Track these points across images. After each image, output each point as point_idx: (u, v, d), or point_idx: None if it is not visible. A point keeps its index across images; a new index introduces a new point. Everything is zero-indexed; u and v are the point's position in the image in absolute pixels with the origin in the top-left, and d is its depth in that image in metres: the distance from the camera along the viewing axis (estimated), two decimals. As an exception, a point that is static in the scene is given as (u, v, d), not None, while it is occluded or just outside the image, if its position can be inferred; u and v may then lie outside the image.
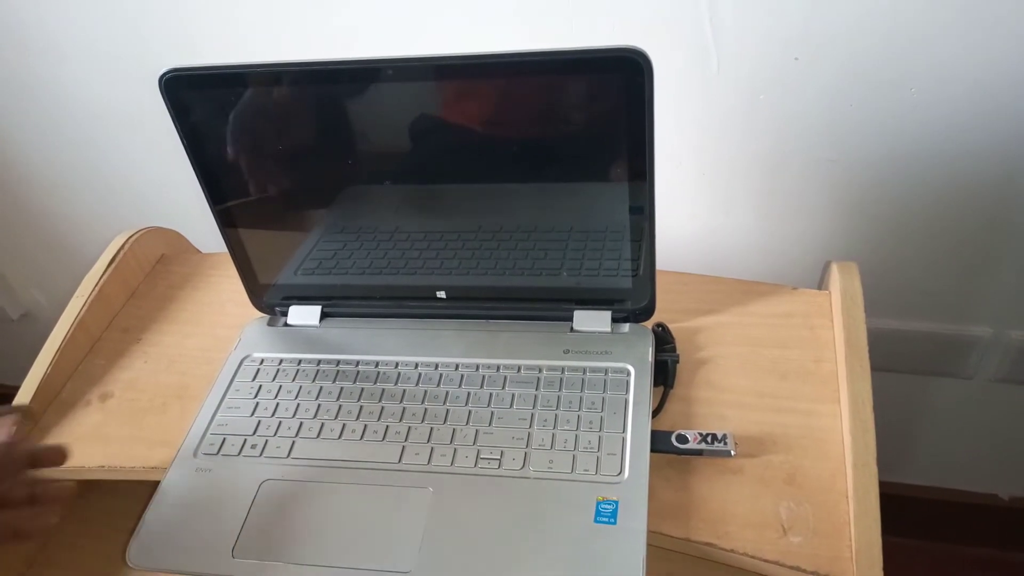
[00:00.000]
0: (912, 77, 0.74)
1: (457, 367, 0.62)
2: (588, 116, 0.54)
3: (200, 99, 0.57)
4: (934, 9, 0.70)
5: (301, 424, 0.60)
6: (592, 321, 0.64)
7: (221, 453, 0.59)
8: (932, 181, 0.82)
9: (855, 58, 0.74)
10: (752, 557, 0.50)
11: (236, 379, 0.65)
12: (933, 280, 0.92)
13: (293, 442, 0.59)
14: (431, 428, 0.58)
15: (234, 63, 0.55)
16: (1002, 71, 0.72)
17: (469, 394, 0.60)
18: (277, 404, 0.62)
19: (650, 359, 0.60)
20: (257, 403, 0.62)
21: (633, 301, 0.63)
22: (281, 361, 0.66)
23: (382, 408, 0.60)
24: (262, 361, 0.66)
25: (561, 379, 0.60)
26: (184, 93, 0.57)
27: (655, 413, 0.59)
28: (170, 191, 1.09)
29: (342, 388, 0.62)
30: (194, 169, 0.61)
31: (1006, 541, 1.21)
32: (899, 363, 1.02)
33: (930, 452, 1.18)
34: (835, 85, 0.77)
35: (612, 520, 0.51)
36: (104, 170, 1.10)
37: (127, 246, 0.78)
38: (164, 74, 0.56)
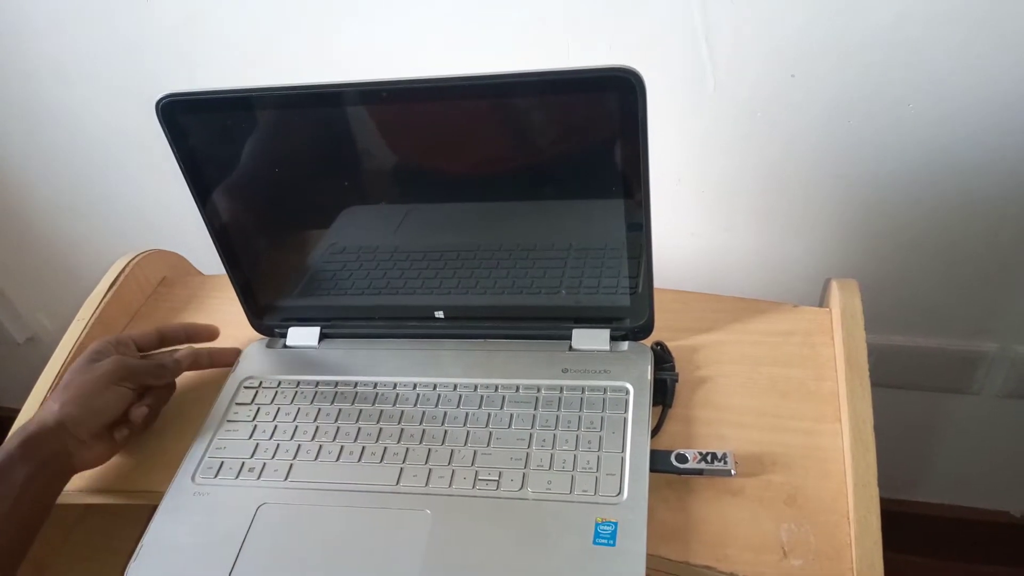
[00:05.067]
0: (910, 94, 0.74)
1: (455, 387, 0.62)
2: (583, 135, 0.54)
3: (197, 124, 0.58)
4: (932, 25, 0.70)
5: (299, 447, 0.60)
6: (591, 340, 0.63)
7: (219, 477, 0.59)
8: (933, 197, 0.82)
9: (852, 75, 0.74)
10: (752, 580, 0.50)
11: (234, 401, 0.65)
12: (938, 296, 0.92)
13: (291, 465, 0.59)
14: (429, 449, 0.58)
15: (230, 87, 0.55)
16: (1001, 87, 0.72)
17: (467, 414, 0.60)
18: (275, 426, 0.62)
19: (649, 378, 0.60)
20: (255, 426, 0.62)
21: (632, 319, 0.62)
22: (280, 383, 0.65)
23: (380, 429, 0.60)
24: (260, 383, 0.66)
25: (560, 398, 0.60)
26: (181, 118, 0.57)
27: (654, 432, 0.58)
28: (174, 213, 1.09)
29: (340, 410, 0.62)
30: (192, 193, 0.61)
31: (1017, 558, 1.20)
32: (905, 380, 1.01)
33: (939, 469, 1.17)
34: (833, 102, 0.77)
35: (611, 542, 0.50)
36: (108, 193, 1.11)
37: (128, 269, 0.78)
38: (161, 99, 0.56)
